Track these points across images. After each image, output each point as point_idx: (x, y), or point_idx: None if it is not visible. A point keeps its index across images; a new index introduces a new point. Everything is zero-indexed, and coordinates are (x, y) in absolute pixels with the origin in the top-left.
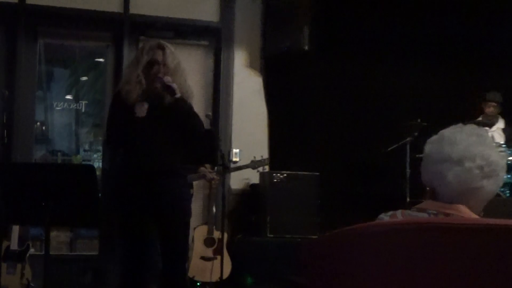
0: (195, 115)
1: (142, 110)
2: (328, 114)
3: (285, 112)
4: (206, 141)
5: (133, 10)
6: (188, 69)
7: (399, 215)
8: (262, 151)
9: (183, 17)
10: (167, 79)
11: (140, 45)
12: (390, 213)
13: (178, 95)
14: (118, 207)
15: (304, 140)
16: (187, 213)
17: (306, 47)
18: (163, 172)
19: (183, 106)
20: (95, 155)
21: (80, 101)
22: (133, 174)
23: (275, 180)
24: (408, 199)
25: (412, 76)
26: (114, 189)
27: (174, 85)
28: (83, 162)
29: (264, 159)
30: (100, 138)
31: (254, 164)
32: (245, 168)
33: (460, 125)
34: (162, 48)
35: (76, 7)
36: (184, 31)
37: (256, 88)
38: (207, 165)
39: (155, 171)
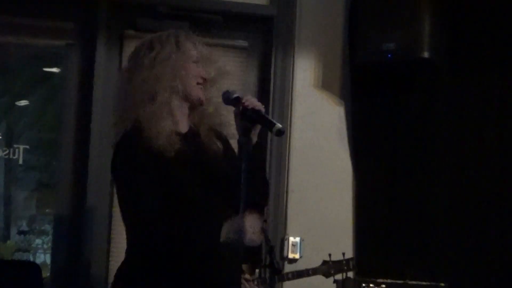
0: None
1: None
2: (462, 172)
3: (385, 169)
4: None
5: None
6: None
7: None
8: (341, 241)
9: None
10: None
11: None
12: None
13: (280, 126)
14: None
15: (418, 221)
16: None
17: (426, 54)
18: None
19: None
20: (38, 241)
21: (15, 145)
22: None
23: None
24: None
25: None
26: None
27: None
28: (17, 254)
29: (348, 260)
30: (48, 210)
31: (328, 269)
32: (311, 275)
33: None
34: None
35: None
36: (207, 21)
37: (333, 125)
38: (243, 266)
39: None
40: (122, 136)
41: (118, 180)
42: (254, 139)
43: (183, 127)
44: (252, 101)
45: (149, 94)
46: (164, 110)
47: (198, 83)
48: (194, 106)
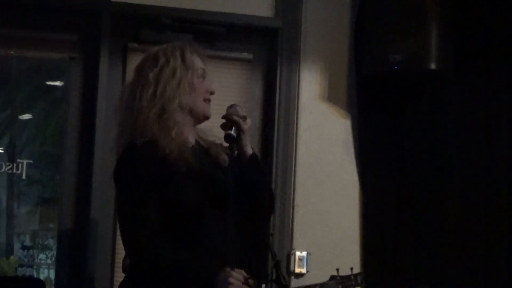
0: None
1: None
2: (471, 183)
3: (393, 182)
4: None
5: None
6: (218, 100)
7: None
8: (348, 255)
9: (209, 9)
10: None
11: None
12: None
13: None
14: None
15: (426, 234)
16: None
17: (433, 65)
18: None
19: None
20: (41, 256)
21: (18, 160)
22: None
23: None
24: None
25: None
26: None
27: None
28: (20, 269)
29: (356, 275)
30: (52, 225)
31: (336, 284)
32: None
33: None
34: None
35: None
36: (211, 33)
37: (339, 138)
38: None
39: None
40: (128, 147)
41: (123, 191)
42: (248, 150)
43: (190, 141)
44: (232, 112)
45: (157, 108)
46: (174, 124)
47: (205, 99)
48: (199, 121)
